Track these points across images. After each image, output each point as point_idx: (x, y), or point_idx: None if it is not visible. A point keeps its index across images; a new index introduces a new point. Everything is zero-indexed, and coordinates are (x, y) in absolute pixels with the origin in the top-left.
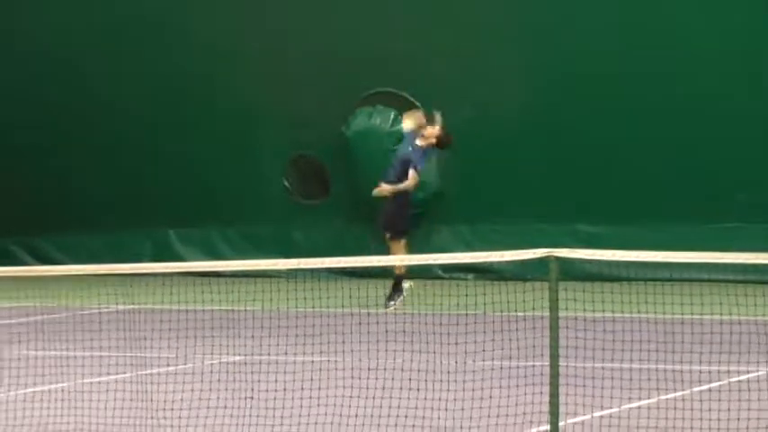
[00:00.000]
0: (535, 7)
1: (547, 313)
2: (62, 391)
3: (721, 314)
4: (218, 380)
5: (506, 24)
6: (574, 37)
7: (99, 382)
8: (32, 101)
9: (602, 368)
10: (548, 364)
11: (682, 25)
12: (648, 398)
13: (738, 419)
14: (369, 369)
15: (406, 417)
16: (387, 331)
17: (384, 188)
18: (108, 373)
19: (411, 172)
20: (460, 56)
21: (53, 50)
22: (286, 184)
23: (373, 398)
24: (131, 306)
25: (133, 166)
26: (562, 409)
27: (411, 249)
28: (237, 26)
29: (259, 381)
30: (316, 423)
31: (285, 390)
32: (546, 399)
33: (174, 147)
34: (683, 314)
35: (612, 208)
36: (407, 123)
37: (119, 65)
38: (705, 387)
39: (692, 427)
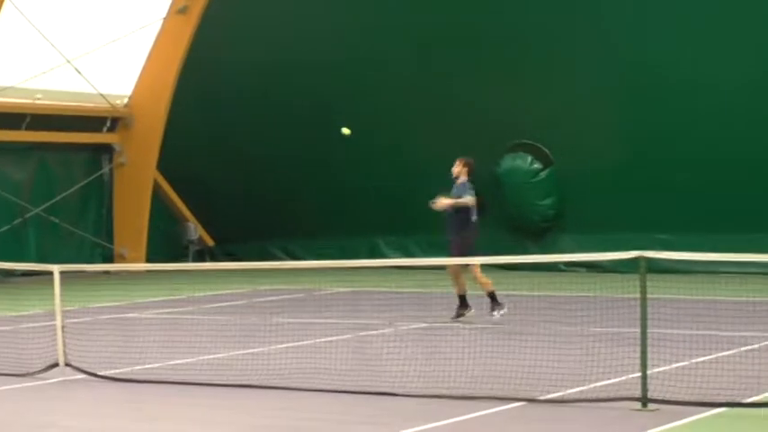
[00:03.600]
0: (628, 75)
1: (638, 295)
2: (305, 346)
3: (759, 296)
4: (410, 340)
5: (607, 89)
6: (663, 91)
7: (329, 341)
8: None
9: (676, 333)
10: (639, 330)
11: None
12: (710, 354)
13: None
14: (511, 333)
15: (539, 367)
16: (525, 308)
17: (443, 202)
18: (335, 335)
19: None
20: (576, 113)
21: (296, 79)
22: None
23: (517, 353)
24: (350, 289)
25: (356, 187)
26: (650, 362)
27: (541, 251)
28: (422, 93)
29: (437, 340)
30: (476, 369)
31: (454, 345)
32: (638, 354)
33: (377, 182)
34: (731, 297)
35: (681, 222)
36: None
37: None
38: (749, 347)
39: (740, 375)
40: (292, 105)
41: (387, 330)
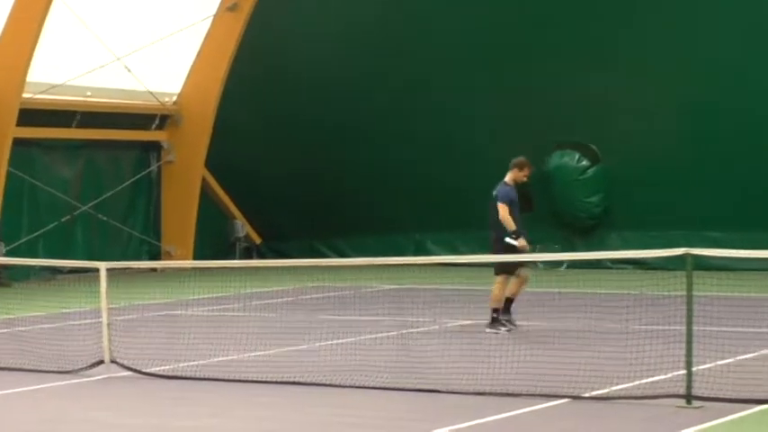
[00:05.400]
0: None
1: (684, 292)
2: (350, 343)
3: None
4: (455, 336)
5: (658, 87)
6: (716, 91)
7: (374, 338)
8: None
9: (722, 331)
10: (684, 327)
11: None
12: (755, 351)
13: None
14: (556, 331)
15: (584, 365)
16: (571, 305)
17: (522, 243)
18: (380, 332)
19: (499, 205)
20: (627, 110)
21: (330, 83)
22: None
23: (561, 350)
24: (396, 286)
25: (402, 183)
26: (695, 359)
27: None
28: (476, 89)
29: (482, 337)
30: (520, 366)
31: (500, 344)
32: (683, 351)
33: (425, 178)
34: None
35: (732, 219)
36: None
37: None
38: None
39: None
40: (342, 105)
41: (432, 327)
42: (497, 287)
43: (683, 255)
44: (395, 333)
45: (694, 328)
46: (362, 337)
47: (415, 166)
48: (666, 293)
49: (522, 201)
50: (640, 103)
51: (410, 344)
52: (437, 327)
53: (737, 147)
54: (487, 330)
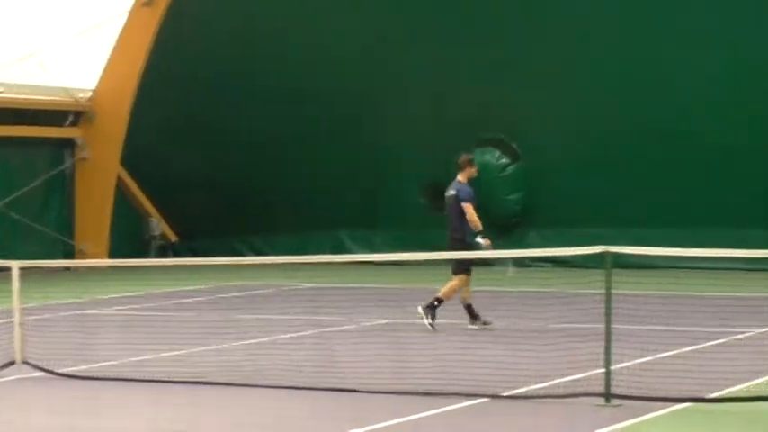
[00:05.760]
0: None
1: (603, 290)
2: (267, 342)
3: (725, 292)
4: (374, 336)
5: (577, 86)
6: (635, 88)
7: (292, 338)
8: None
9: (641, 329)
10: (603, 325)
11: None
12: (674, 349)
13: (738, 365)
14: (476, 329)
15: (503, 363)
16: (490, 304)
17: (487, 243)
18: (296, 331)
19: (464, 205)
20: (547, 108)
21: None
22: (422, 201)
23: (480, 349)
24: (314, 284)
25: (318, 185)
26: (613, 357)
27: (508, 246)
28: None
29: (402, 336)
30: (439, 365)
31: (418, 343)
32: (602, 349)
33: (348, 176)
34: (699, 292)
35: (655, 216)
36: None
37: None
38: (714, 342)
39: (705, 370)
40: (258, 101)
41: (349, 327)
42: (456, 284)
43: (603, 252)
44: (312, 332)
45: (613, 326)
46: (279, 337)
47: (330, 165)
48: (585, 291)
49: (440, 199)
50: (559, 102)
51: (327, 343)
52: (354, 326)
53: (656, 145)
54: (419, 310)
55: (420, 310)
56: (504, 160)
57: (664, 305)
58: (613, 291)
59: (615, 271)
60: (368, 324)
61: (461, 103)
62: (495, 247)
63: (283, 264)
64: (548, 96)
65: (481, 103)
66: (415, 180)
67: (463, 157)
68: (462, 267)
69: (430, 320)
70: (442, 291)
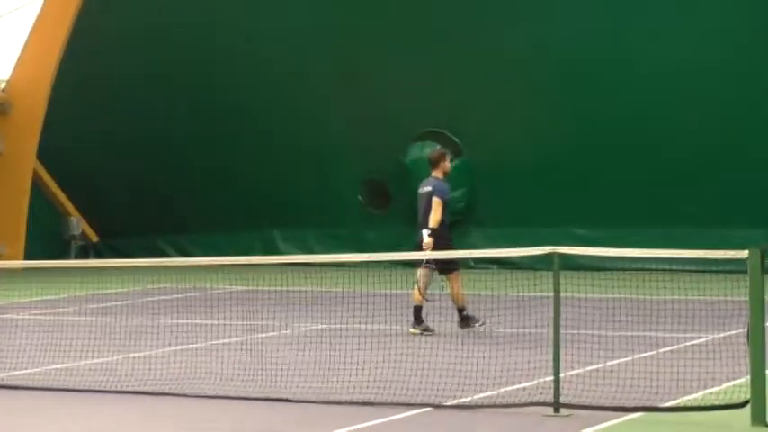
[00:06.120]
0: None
1: (551, 294)
2: (196, 348)
3: (679, 295)
4: (309, 342)
5: (523, 78)
6: (581, 84)
7: (223, 343)
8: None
9: (592, 334)
10: (552, 331)
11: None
12: (626, 356)
13: (692, 372)
14: (417, 335)
15: (447, 370)
16: (433, 307)
17: (427, 242)
18: (230, 336)
19: (435, 200)
20: (491, 102)
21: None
22: (360, 198)
23: (423, 355)
24: (246, 287)
25: (248, 183)
26: (562, 364)
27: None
28: (323, 75)
29: (339, 343)
30: (379, 373)
31: (357, 349)
32: (550, 356)
33: (279, 174)
34: (651, 296)
35: (599, 216)
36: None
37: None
38: (668, 348)
39: (658, 378)
40: (181, 94)
41: (284, 332)
42: (455, 285)
43: (550, 253)
44: (244, 338)
45: (562, 331)
46: (209, 343)
47: (263, 158)
48: (532, 295)
49: (378, 196)
50: (503, 96)
51: (261, 350)
52: (289, 331)
53: (601, 142)
54: (464, 329)
55: (465, 329)
56: None
57: (614, 309)
58: (562, 294)
59: (564, 273)
60: (305, 329)
61: (402, 98)
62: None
63: (212, 265)
64: (493, 90)
65: (422, 97)
66: (351, 177)
67: (435, 153)
68: (453, 264)
69: (480, 324)
70: (453, 300)
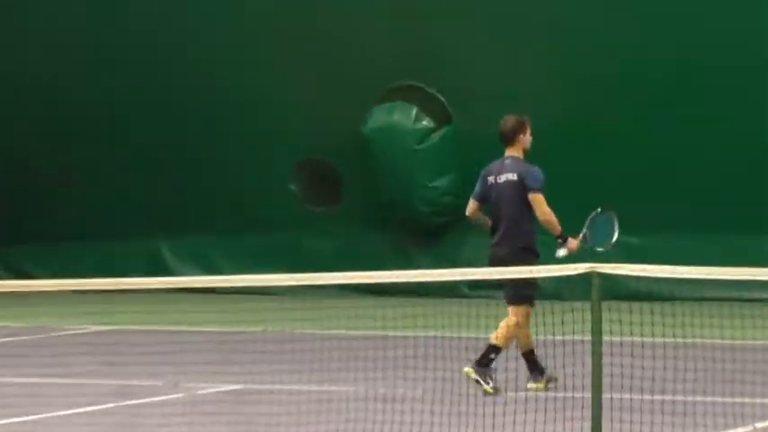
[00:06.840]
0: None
1: (588, 337)
2: (37, 421)
3: None
4: (212, 412)
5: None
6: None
7: (77, 413)
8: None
9: (652, 400)
10: (589, 395)
11: None
12: None
13: None
14: (384, 400)
15: None
16: (406, 356)
17: (572, 243)
18: (87, 404)
19: (533, 197)
20: (490, 50)
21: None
22: (293, 188)
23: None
24: (112, 327)
25: (119, 169)
26: None
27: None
28: (240, 17)
29: (258, 413)
30: None
31: (288, 424)
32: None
33: (162, 141)
34: (743, 339)
35: (653, 217)
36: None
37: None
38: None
39: None
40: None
41: (170, 396)
42: (517, 319)
43: (588, 273)
44: (109, 406)
45: (605, 395)
46: (55, 414)
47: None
48: (560, 337)
49: (323, 188)
50: (507, 35)
51: (134, 422)
52: (179, 395)
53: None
54: (473, 376)
55: (472, 374)
56: (424, 123)
57: (684, 361)
58: (605, 336)
59: (605, 304)
60: (203, 392)
61: (364, 43)
62: (410, 264)
63: (63, 291)
64: (492, 28)
65: (392, 40)
66: (284, 161)
67: (511, 120)
68: (526, 294)
69: (491, 385)
70: (496, 334)
